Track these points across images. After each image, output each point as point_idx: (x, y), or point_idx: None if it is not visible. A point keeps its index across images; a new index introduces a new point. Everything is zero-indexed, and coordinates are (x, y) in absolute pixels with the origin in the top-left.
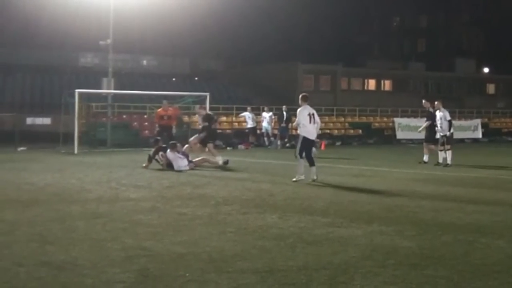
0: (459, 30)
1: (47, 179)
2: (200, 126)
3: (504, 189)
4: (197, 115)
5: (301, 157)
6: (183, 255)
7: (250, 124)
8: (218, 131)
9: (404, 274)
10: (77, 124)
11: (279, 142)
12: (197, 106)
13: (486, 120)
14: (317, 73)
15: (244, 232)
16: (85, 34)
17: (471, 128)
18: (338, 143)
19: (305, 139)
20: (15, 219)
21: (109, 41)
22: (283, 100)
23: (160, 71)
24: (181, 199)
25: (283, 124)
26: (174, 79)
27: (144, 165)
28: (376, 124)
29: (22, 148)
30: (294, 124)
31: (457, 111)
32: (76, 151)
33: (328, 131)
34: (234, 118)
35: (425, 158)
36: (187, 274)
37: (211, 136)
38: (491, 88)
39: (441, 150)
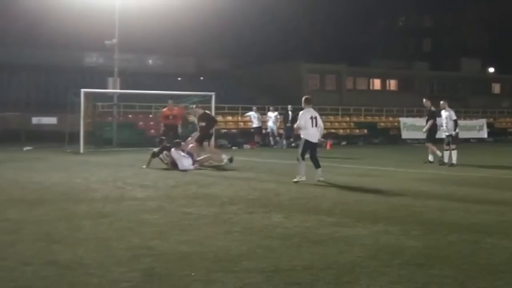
0: (464, 30)
1: (53, 178)
2: (198, 126)
3: (509, 189)
4: (192, 116)
5: (302, 159)
6: (188, 255)
7: (255, 123)
8: (223, 130)
9: (409, 274)
10: (82, 123)
11: (284, 142)
12: (194, 105)
13: (491, 120)
14: (322, 73)
15: (249, 232)
16: (91, 34)
17: (476, 128)
18: (343, 143)
19: (307, 142)
20: (21, 218)
21: (114, 40)
22: (288, 100)
23: (165, 70)
24: (187, 198)
25: (289, 124)
26: (179, 78)
27: (144, 166)
28: (382, 124)
29: (27, 148)
30: (295, 126)
31: (462, 111)
32: (82, 151)
33: (333, 130)
34: (239, 118)
35: (430, 157)
36: (192, 274)
37: (206, 135)
38: (496, 88)
39: (446, 150)
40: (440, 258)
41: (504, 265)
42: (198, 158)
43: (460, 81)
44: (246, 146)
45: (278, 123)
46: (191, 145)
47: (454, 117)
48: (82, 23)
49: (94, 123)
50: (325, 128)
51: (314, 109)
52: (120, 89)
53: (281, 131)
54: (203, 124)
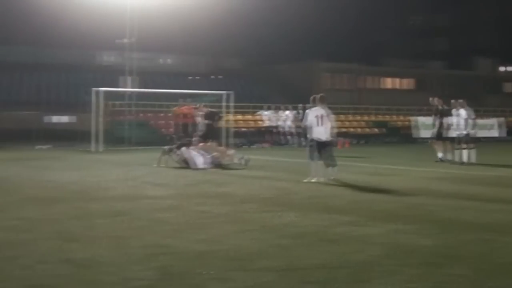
0: (478, 29)
1: (68, 177)
2: (201, 124)
3: None
4: (198, 115)
5: (312, 159)
6: (203, 253)
7: (269, 122)
8: (238, 129)
9: (423, 273)
10: (97, 122)
11: (298, 141)
12: (201, 104)
13: (503, 118)
14: (336, 72)
15: (263, 230)
16: (105, 33)
17: (487, 127)
18: (357, 142)
19: (313, 141)
20: (37, 216)
21: (125, 40)
22: (302, 99)
23: (180, 69)
24: (201, 197)
25: (302, 123)
26: (194, 77)
27: (155, 165)
28: (396, 123)
29: (43, 146)
30: (302, 124)
31: (477, 110)
32: (96, 149)
33: (348, 130)
34: (254, 117)
35: (440, 155)
36: (207, 272)
37: (212, 134)
38: (508, 87)
39: (457, 149)
40: (454, 257)
41: None
42: (209, 156)
43: (473, 80)
44: (261, 145)
45: (293, 122)
46: (201, 144)
47: (473, 116)
48: (97, 22)
49: (109, 121)
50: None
51: (325, 107)
52: (135, 88)
53: (295, 130)
54: (209, 122)
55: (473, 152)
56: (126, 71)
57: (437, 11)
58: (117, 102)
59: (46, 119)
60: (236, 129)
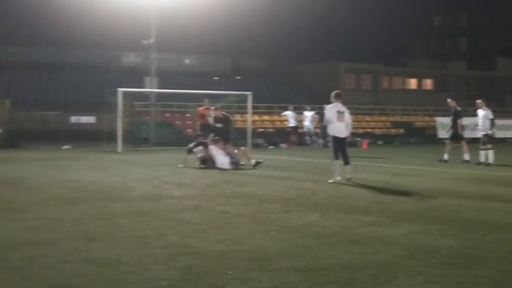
0: (500, 29)
1: (92, 177)
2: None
3: None
4: (210, 116)
5: (336, 158)
6: (226, 253)
7: (292, 123)
8: (260, 130)
9: (446, 274)
10: (120, 122)
11: (320, 141)
12: (217, 105)
13: None
14: (358, 72)
15: (286, 231)
16: (128, 34)
17: (509, 128)
18: (379, 142)
19: (335, 138)
20: (61, 216)
21: (151, 40)
22: (324, 99)
23: (202, 70)
24: (224, 197)
25: (325, 123)
26: (216, 78)
27: (181, 165)
28: (418, 123)
29: (67, 146)
30: (324, 122)
31: (499, 110)
32: (119, 149)
33: (369, 130)
34: (276, 117)
35: (466, 156)
36: (230, 272)
37: (225, 137)
38: None
39: (482, 149)
40: (476, 258)
41: None
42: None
43: (496, 81)
44: (283, 145)
45: (314, 123)
46: (219, 144)
47: (491, 116)
48: (120, 23)
49: (132, 122)
50: (361, 128)
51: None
52: (157, 88)
53: (318, 131)
54: (220, 125)
55: (491, 153)
56: (150, 72)
57: (459, 12)
58: (140, 103)
59: (71, 119)
60: (260, 129)
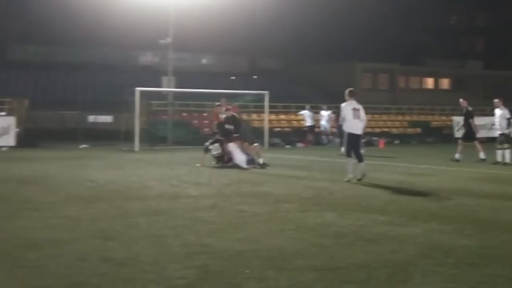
0: None
1: (109, 176)
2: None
3: None
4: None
5: (349, 156)
6: (243, 252)
7: (308, 122)
8: (277, 129)
9: (463, 273)
10: (137, 122)
11: (337, 140)
12: (229, 106)
13: None
14: (375, 72)
15: (303, 230)
16: (145, 33)
17: None
18: (396, 142)
19: (350, 135)
20: (78, 215)
21: (168, 39)
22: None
23: (219, 69)
24: (241, 196)
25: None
26: (233, 77)
27: (198, 164)
28: (435, 123)
29: (84, 146)
30: (340, 120)
31: None
32: (137, 149)
33: (386, 129)
34: (293, 117)
35: (482, 155)
36: (246, 271)
37: (231, 137)
38: None
39: (499, 149)
40: (493, 258)
41: None
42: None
43: None
44: (300, 145)
45: (331, 122)
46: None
47: (508, 116)
48: (137, 23)
49: (149, 121)
50: (378, 127)
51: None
52: (174, 87)
53: (334, 130)
54: (230, 127)
55: (508, 152)
56: (167, 71)
57: (476, 11)
58: (157, 102)
59: (89, 118)
60: (277, 129)
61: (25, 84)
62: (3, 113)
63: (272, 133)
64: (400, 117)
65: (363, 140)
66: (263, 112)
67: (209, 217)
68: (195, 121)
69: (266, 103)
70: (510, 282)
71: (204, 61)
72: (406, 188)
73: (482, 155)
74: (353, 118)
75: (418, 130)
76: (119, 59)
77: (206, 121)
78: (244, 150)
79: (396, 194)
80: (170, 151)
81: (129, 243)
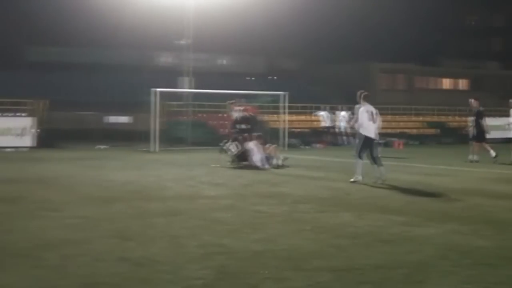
0: None
1: (127, 176)
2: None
3: None
4: (234, 111)
5: (360, 157)
6: (260, 253)
7: (326, 123)
8: (295, 130)
9: (480, 274)
10: (155, 122)
11: (356, 141)
12: (240, 106)
13: None
14: (393, 72)
15: (320, 231)
16: (163, 34)
17: None
18: (413, 142)
19: (366, 138)
20: (96, 215)
21: (186, 40)
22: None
23: (236, 70)
24: (258, 197)
25: None
26: (251, 78)
27: (217, 165)
28: (452, 124)
29: (103, 146)
30: (352, 123)
31: None
32: (154, 149)
33: (404, 130)
34: (311, 117)
35: (470, 157)
36: (264, 272)
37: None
38: None
39: None
40: (510, 258)
41: None
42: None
43: None
44: (317, 145)
45: (345, 123)
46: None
47: None
48: (155, 23)
49: (167, 122)
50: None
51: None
52: (193, 88)
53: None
54: (244, 127)
55: None
56: (185, 72)
57: (494, 11)
58: (175, 103)
59: (107, 119)
60: (295, 129)
61: (44, 85)
62: (23, 114)
63: (290, 134)
64: (417, 118)
65: (381, 141)
66: (281, 113)
67: (226, 217)
68: (213, 122)
69: (285, 103)
70: None
71: (222, 61)
72: (423, 188)
73: (471, 157)
74: (369, 121)
75: (435, 130)
76: (137, 59)
77: (223, 122)
78: (262, 150)
79: (413, 195)
80: (187, 151)
81: (146, 243)
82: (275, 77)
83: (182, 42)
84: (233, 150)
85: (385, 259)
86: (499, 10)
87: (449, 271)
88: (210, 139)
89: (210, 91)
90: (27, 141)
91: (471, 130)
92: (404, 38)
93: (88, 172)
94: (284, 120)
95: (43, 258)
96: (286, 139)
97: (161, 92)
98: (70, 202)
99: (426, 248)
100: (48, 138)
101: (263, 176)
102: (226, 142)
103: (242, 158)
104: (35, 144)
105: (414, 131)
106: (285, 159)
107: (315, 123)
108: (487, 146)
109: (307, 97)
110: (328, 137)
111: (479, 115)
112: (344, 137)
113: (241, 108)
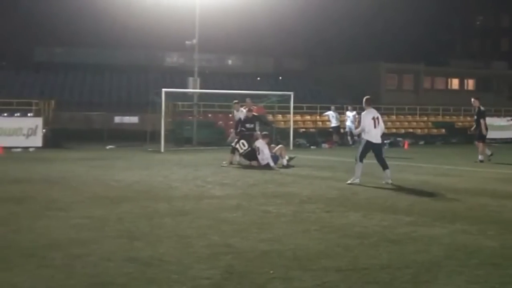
0: None
1: (135, 176)
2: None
3: None
4: (242, 110)
5: (360, 161)
6: (267, 253)
7: (333, 123)
8: (302, 130)
9: (487, 274)
10: (163, 122)
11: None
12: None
13: None
14: (400, 72)
15: (328, 230)
16: (171, 34)
17: None
18: (421, 143)
19: (368, 143)
20: (104, 215)
21: (194, 41)
22: None
23: (244, 70)
24: (266, 197)
25: None
26: (258, 78)
27: (224, 163)
28: (459, 124)
29: (110, 146)
30: (357, 130)
31: None
32: (162, 149)
33: (411, 130)
34: (318, 117)
35: (488, 152)
36: (271, 271)
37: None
38: None
39: None
40: None
41: None
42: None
43: None
44: (325, 145)
45: (356, 123)
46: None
47: None
48: (163, 24)
49: (175, 122)
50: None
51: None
52: (200, 88)
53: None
54: (249, 126)
55: None
56: (194, 72)
57: (502, 12)
58: (183, 103)
59: (115, 119)
60: (303, 130)
61: (52, 85)
62: (30, 114)
63: (297, 134)
64: (424, 118)
65: (385, 141)
66: (288, 112)
67: (233, 217)
68: (220, 122)
69: (292, 103)
70: None
71: (229, 62)
72: (430, 188)
73: (481, 157)
74: (373, 127)
75: (443, 130)
76: (145, 60)
77: (231, 122)
78: (270, 149)
79: (420, 195)
80: (195, 151)
81: (154, 243)
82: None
83: (191, 42)
84: (241, 151)
85: (392, 259)
86: (507, 10)
87: (456, 271)
88: (218, 139)
89: (218, 91)
90: (35, 141)
91: (474, 130)
92: (411, 38)
93: (96, 172)
94: (291, 120)
95: (50, 257)
96: (291, 139)
97: (169, 92)
98: (77, 202)
99: (433, 248)
100: (56, 138)
101: (270, 176)
102: (237, 142)
103: (250, 157)
104: (42, 144)
105: (421, 131)
106: (290, 159)
107: (322, 123)
108: (481, 148)
109: (314, 97)
110: (335, 137)
111: (480, 115)
112: (353, 137)
113: (246, 108)
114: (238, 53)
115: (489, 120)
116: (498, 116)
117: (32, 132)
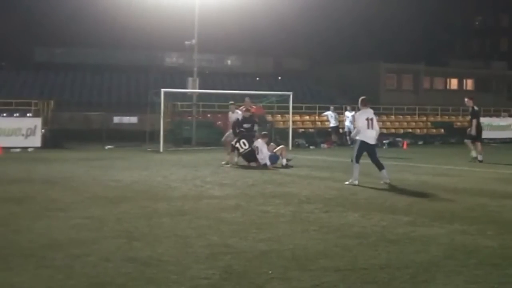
0: None
1: (134, 176)
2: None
3: None
4: (238, 112)
5: (357, 162)
6: (266, 253)
7: (332, 123)
8: (301, 130)
9: (485, 274)
10: (162, 122)
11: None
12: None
13: None
14: (399, 72)
15: (326, 231)
16: (171, 35)
17: None
18: (420, 143)
19: (363, 143)
20: (103, 215)
21: (194, 41)
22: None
23: (243, 70)
24: (265, 197)
25: None
26: (258, 78)
27: (224, 163)
28: (458, 124)
29: (109, 146)
30: (353, 134)
31: None
32: (161, 149)
33: (410, 130)
34: (317, 117)
35: (473, 154)
36: (270, 272)
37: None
38: None
39: None
40: None
41: None
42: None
43: None
44: (323, 146)
45: (350, 123)
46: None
47: None
48: (163, 24)
49: (174, 122)
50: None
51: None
52: (199, 89)
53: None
54: (248, 126)
55: None
56: (193, 72)
57: (501, 12)
58: (182, 103)
59: (114, 119)
60: (302, 130)
61: (51, 85)
62: (29, 114)
63: (296, 134)
64: (423, 118)
65: (384, 141)
66: (287, 113)
67: (232, 217)
68: (220, 122)
69: (291, 104)
70: None
71: (229, 62)
72: (429, 189)
73: (474, 154)
74: (367, 128)
75: (442, 130)
76: (145, 60)
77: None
78: (269, 149)
79: (419, 195)
80: (195, 152)
81: (153, 243)
82: (281, 77)
83: (190, 42)
84: (241, 150)
85: (390, 259)
86: (506, 10)
87: (455, 271)
88: (217, 139)
89: (217, 91)
90: (34, 141)
91: (469, 130)
92: (410, 38)
93: (95, 173)
94: (290, 120)
95: (49, 258)
96: (290, 139)
97: (168, 93)
98: (77, 202)
99: (431, 248)
100: (55, 139)
101: (269, 176)
102: (237, 141)
103: (249, 158)
104: (41, 145)
105: (420, 131)
106: (289, 159)
107: (321, 123)
108: (471, 146)
109: (314, 97)
110: (334, 137)
111: (473, 115)
112: (348, 137)
113: (244, 107)
114: (238, 53)
115: (488, 120)
116: (497, 116)
117: (31, 132)
